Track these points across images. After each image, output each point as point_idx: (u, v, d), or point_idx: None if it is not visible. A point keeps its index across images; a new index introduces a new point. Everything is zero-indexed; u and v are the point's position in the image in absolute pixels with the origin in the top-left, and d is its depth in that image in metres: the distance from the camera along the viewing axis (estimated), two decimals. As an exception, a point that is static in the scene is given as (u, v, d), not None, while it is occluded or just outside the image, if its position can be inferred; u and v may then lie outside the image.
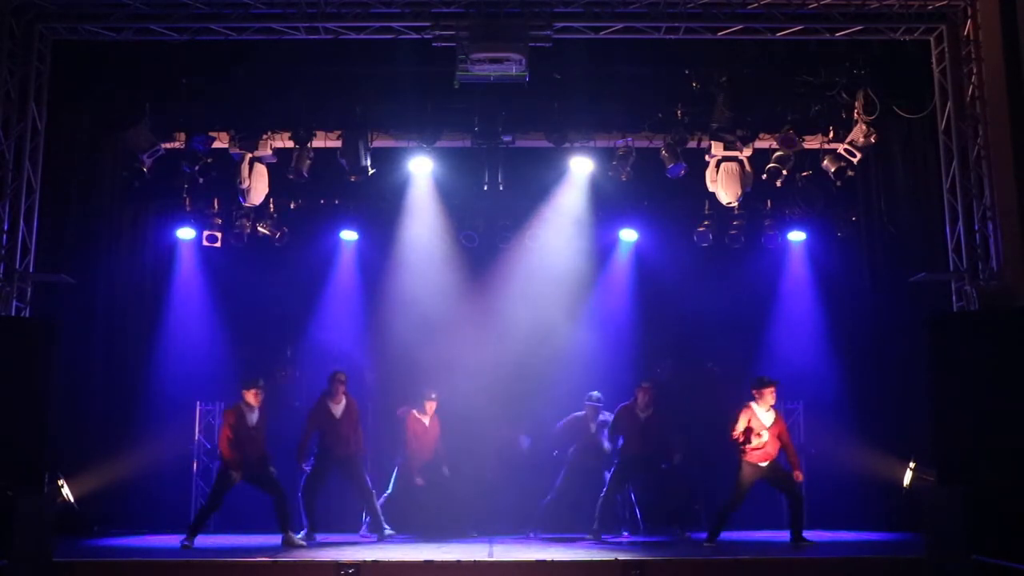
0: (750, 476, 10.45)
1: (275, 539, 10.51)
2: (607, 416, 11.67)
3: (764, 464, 10.42)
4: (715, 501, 11.18)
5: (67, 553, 9.40)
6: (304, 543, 10.48)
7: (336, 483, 11.45)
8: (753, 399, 10.54)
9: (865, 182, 12.66)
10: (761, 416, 10.44)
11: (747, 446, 10.37)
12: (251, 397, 10.73)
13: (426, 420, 11.70)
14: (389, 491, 11.60)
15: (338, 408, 11.14)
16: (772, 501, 11.65)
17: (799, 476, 10.60)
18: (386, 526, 11.06)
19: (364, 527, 11.43)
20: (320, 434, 11.18)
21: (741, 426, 10.43)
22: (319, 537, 10.89)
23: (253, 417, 10.74)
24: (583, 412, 11.73)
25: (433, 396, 11.76)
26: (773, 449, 10.46)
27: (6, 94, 10.57)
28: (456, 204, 13.09)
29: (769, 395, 10.47)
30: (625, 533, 11.60)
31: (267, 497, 10.75)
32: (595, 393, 11.70)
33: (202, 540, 10.54)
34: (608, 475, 11.42)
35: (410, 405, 11.79)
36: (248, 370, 12.49)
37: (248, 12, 10.77)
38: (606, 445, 11.65)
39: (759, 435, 10.36)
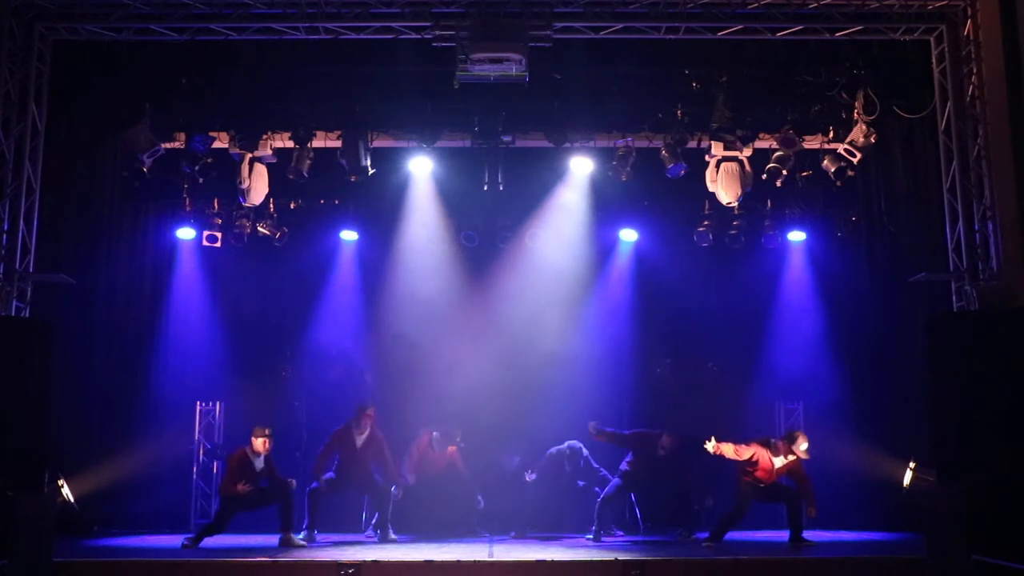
0: (750, 494, 10.60)
1: (275, 539, 10.50)
2: (586, 454, 11.61)
3: (763, 485, 10.52)
4: (716, 500, 11.21)
5: (67, 553, 9.40)
6: (304, 543, 10.48)
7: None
8: (776, 441, 10.66)
9: (865, 182, 12.65)
10: (774, 459, 10.53)
11: (748, 468, 10.52)
12: (259, 445, 10.68)
13: (438, 451, 11.70)
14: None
15: (360, 438, 11.14)
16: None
17: (812, 512, 10.57)
18: (392, 531, 11.02)
19: (369, 528, 11.41)
20: (339, 458, 11.18)
21: (745, 455, 10.49)
22: (320, 537, 10.87)
23: (259, 462, 10.72)
24: (558, 450, 11.58)
25: (458, 440, 11.74)
26: (776, 477, 10.56)
27: (6, 94, 10.57)
28: (456, 204, 13.08)
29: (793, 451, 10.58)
30: (619, 532, 11.60)
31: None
32: (575, 444, 11.54)
33: (202, 540, 10.53)
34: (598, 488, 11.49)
35: (433, 429, 11.75)
36: (248, 374, 12.57)
37: (248, 12, 10.77)
38: (596, 467, 11.66)
39: (760, 468, 10.53)
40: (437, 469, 11.72)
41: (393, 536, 10.93)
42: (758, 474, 10.51)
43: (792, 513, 10.53)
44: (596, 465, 11.69)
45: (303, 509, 11.00)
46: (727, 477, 11.04)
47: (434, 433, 11.73)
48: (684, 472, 11.36)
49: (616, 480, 11.31)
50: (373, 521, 11.32)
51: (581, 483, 11.62)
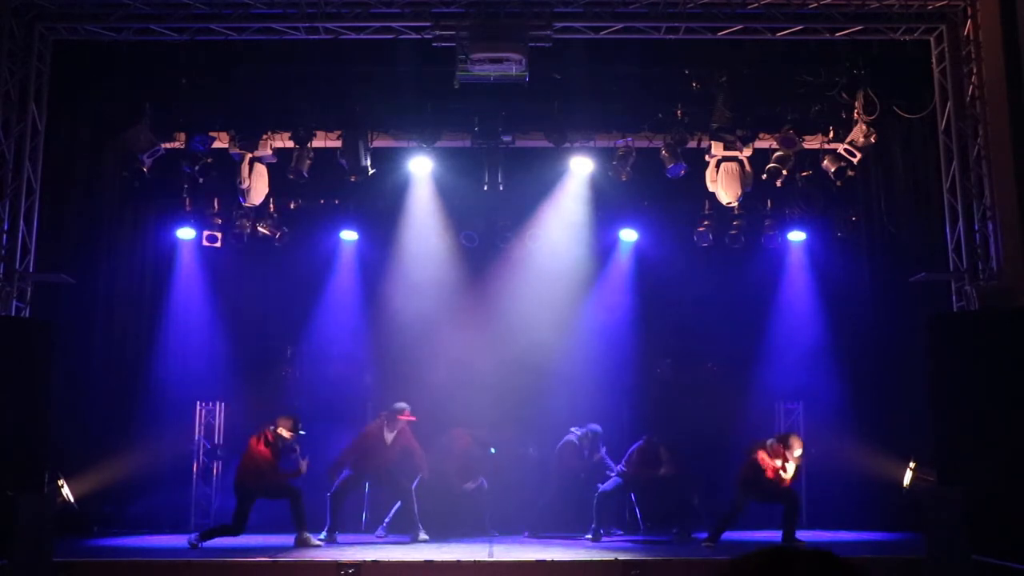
0: (751, 495, 10.63)
1: (275, 539, 10.50)
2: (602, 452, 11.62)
3: (766, 487, 10.53)
4: (716, 500, 11.21)
5: (67, 553, 9.40)
6: (320, 543, 10.45)
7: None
8: (771, 443, 10.67)
9: (865, 182, 12.65)
10: (776, 463, 10.59)
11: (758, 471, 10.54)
12: (285, 432, 10.62)
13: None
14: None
15: (391, 435, 11.14)
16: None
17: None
18: (422, 530, 10.96)
19: (380, 528, 11.37)
20: (363, 454, 11.12)
21: (770, 467, 10.53)
22: (319, 537, 10.85)
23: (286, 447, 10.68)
24: (576, 438, 11.60)
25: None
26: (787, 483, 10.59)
27: (6, 94, 10.58)
28: (456, 204, 13.08)
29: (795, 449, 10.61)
30: (617, 532, 11.59)
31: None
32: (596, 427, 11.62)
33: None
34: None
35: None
36: (248, 374, 12.61)
37: (248, 12, 10.78)
38: (610, 465, 11.61)
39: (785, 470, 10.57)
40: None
41: (424, 536, 10.87)
42: (768, 475, 10.48)
43: (788, 513, 10.54)
44: (610, 462, 11.61)
45: (324, 511, 10.97)
46: (723, 478, 11.04)
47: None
48: (684, 478, 11.36)
49: (616, 479, 11.29)
50: (386, 521, 11.31)
51: (583, 475, 11.59)
